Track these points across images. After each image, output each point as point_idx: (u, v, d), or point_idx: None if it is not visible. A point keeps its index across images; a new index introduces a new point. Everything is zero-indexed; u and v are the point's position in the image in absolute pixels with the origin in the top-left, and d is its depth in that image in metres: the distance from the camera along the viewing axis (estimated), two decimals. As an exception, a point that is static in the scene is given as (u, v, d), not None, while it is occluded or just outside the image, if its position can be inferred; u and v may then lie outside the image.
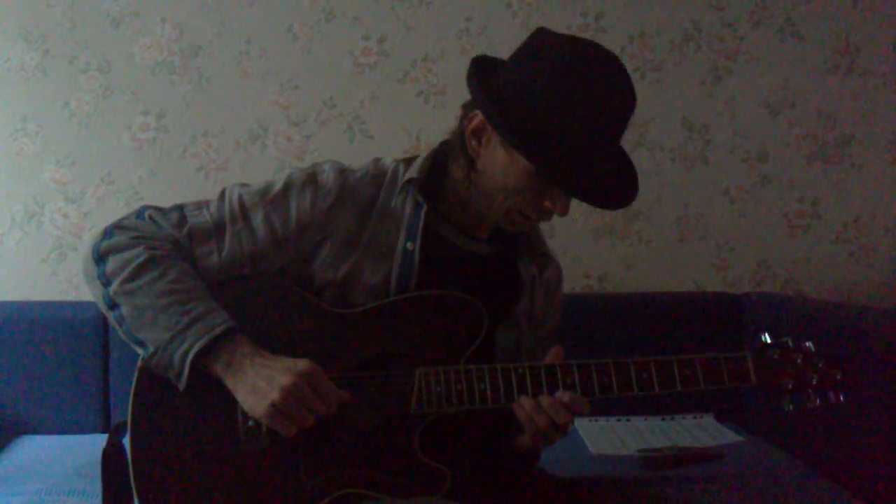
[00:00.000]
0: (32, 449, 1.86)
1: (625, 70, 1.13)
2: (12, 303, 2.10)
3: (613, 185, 1.19)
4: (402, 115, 2.24)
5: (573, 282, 2.28)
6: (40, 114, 2.22)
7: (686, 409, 2.06)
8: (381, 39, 2.24)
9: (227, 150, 2.24)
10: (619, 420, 2.02)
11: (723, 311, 2.12)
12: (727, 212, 2.30)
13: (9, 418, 1.98)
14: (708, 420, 2.02)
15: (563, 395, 1.11)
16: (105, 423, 1.98)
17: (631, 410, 2.05)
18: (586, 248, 2.28)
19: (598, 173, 1.14)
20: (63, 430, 1.96)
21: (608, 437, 1.90)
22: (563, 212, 1.17)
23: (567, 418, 1.11)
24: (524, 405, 1.12)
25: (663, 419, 2.03)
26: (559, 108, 1.09)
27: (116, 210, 2.22)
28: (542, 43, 1.14)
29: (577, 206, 2.29)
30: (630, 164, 1.23)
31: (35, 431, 1.97)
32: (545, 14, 2.20)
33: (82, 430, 1.95)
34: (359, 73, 2.24)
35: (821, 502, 1.53)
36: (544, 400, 1.12)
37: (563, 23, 2.22)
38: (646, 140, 2.28)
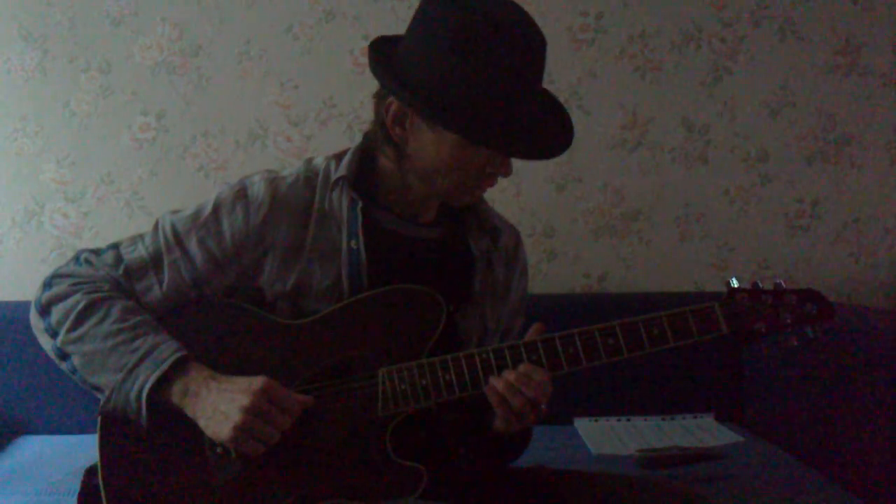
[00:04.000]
0: (32, 449, 1.87)
1: (523, 11, 1.10)
2: (12, 303, 2.10)
3: (549, 131, 1.16)
4: (402, 115, 2.24)
5: (573, 282, 2.28)
6: (40, 114, 2.22)
7: (686, 409, 2.06)
8: (381, 39, 2.24)
9: (227, 150, 2.24)
10: (619, 420, 2.02)
11: (723, 311, 2.11)
12: (727, 212, 2.30)
13: (9, 418, 1.98)
14: (708, 420, 2.02)
15: (523, 367, 1.09)
16: (105, 423, 1.98)
17: (631, 410, 2.05)
18: (586, 248, 2.28)
19: (527, 124, 1.12)
20: (63, 430, 1.96)
21: (608, 437, 1.90)
22: (507, 171, 1.16)
23: (535, 392, 1.08)
24: (494, 384, 1.09)
25: (663, 419, 2.03)
26: (469, 70, 1.06)
27: (116, 210, 2.22)
28: (432, 8, 1.11)
29: (578, 206, 2.29)
30: (559, 105, 1.20)
31: (35, 431, 1.97)
32: (545, 14, 2.19)
33: (82, 430, 1.95)
34: (359, 73, 2.24)
35: (821, 502, 1.53)
36: (510, 375, 1.09)
37: (563, 23, 2.22)
38: (646, 140, 2.28)
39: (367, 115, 2.24)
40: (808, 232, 2.31)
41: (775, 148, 2.30)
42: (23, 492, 1.57)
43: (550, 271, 2.26)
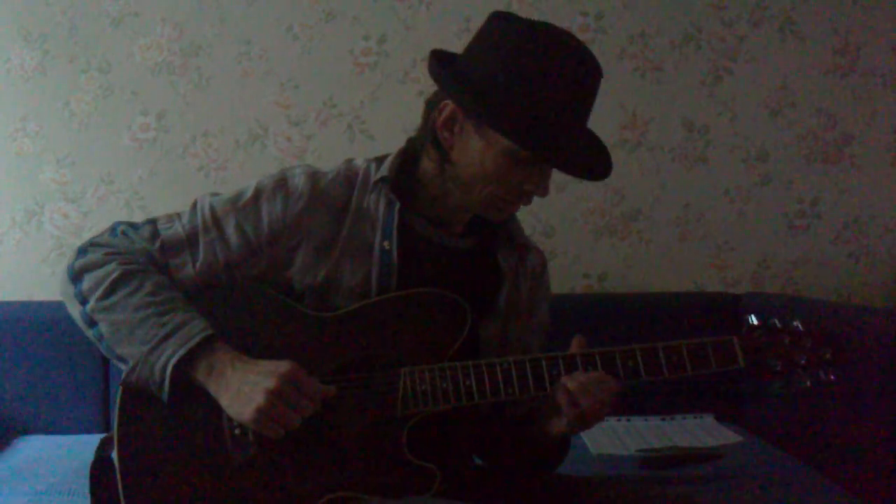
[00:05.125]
0: (32, 449, 1.86)
1: (584, 45, 1.15)
2: (12, 303, 2.10)
3: (591, 156, 1.19)
4: (402, 115, 2.23)
5: (573, 282, 2.28)
6: (40, 114, 2.22)
7: (686, 409, 2.06)
8: (381, 39, 2.24)
9: (227, 150, 2.24)
10: (619, 420, 2.02)
11: (722, 310, 2.12)
12: (727, 212, 2.30)
13: (9, 418, 1.97)
14: (708, 420, 2.02)
15: (596, 373, 1.11)
16: (105, 423, 1.98)
17: (631, 410, 2.05)
18: (586, 248, 2.28)
19: (576, 146, 1.15)
20: (63, 430, 1.96)
21: (608, 437, 1.90)
22: (544, 192, 1.17)
23: (604, 395, 1.10)
24: (566, 384, 1.11)
25: (663, 419, 2.03)
26: (531, 84, 1.09)
27: (116, 210, 2.22)
28: (499, 26, 1.15)
29: (578, 206, 2.29)
30: (598, 139, 1.24)
31: (35, 431, 1.97)
32: (545, 14, 2.19)
33: (82, 430, 1.95)
34: (359, 73, 2.24)
35: (820, 502, 1.53)
36: (582, 377, 1.11)
37: (563, 23, 2.21)
38: (646, 140, 2.28)
39: (368, 114, 2.26)
40: (808, 232, 2.31)
41: (775, 148, 2.30)
42: (23, 492, 1.57)
43: (550, 271, 2.25)
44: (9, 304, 2.09)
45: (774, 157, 2.30)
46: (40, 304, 2.09)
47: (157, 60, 2.23)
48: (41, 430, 1.97)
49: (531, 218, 2.22)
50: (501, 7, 2.28)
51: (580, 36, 2.26)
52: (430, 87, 2.46)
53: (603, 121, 2.26)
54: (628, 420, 2.02)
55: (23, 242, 2.23)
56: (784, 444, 1.85)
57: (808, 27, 2.28)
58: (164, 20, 2.22)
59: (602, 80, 1.16)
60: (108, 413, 1.99)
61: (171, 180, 2.22)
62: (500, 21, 1.16)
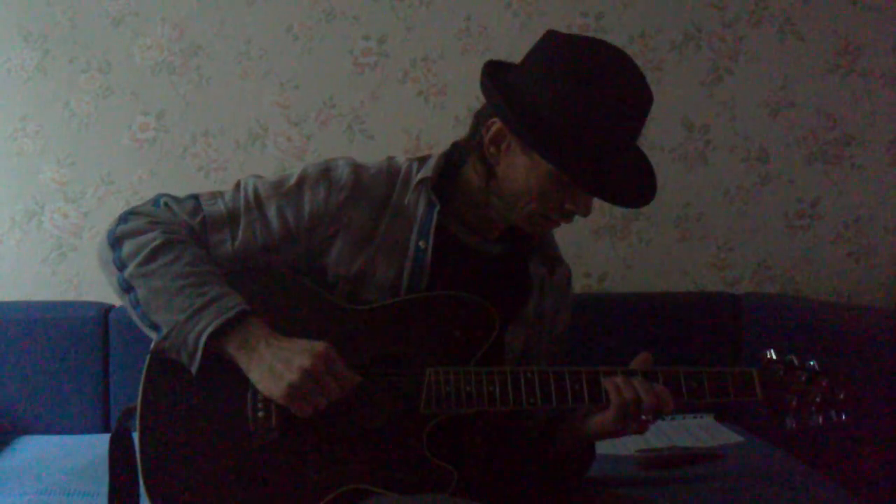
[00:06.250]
0: (32, 449, 1.86)
1: (637, 68, 1.14)
2: (12, 303, 2.10)
3: (634, 183, 1.20)
4: (402, 115, 2.24)
5: (573, 282, 2.27)
6: (40, 114, 2.22)
7: (686, 409, 2.06)
8: (381, 39, 2.24)
9: (227, 150, 2.24)
10: (619, 420, 2.02)
11: (722, 310, 2.12)
12: (727, 212, 2.30)
13: (9, 418, 1.98)
14: (708, 420, 2.02)
15: (657, 385, 1.13)
16: (105, 423, 1.98)
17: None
18: (586, 248, 2.28)
19: (619, 172, 1.15)
20: (63, 430, 1.96)
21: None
22: (587, 212, 1.18)
23: (653, 400, 1.11)
24: (614, 380, 1.13)
25: (663, 419, 2.03)
26: (578, 109, 1.09)
27: (116, 210, 2.21)
28: (553, 44, 1.15)
29: (577, 206, 2.28)
30: (647, 161, 1.24)
31: (35, 431, 1.97)
32: (545, 14, 2.19)
33: (82, 430, 1.95)
34: (359, 73, 2.24)
35: (820, 502, 1.52)
36: (635, 380, 1.13)
37: (563, 23, 2.22)
38: (646, 140, 2.27)
39: (368, 114, 2.26)
40: (808, 232, 2.31)
41: (775, 148, 2.30)
42: (23, 492, 1.57)
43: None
44: (9, 304, 2.09)
45: (774, 157, 2.30)
46: (40, 304, 2.09)
47: (157, 60, 2.23)
48: (41, 430, 1.97)
49: (531, 218, 2.22)
50: (500, 8, 2.29)
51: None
52: (429, 87, 2.46)
53: (603, 121, 2.27)
54: (628, 420, 2.02)
55: (23, 242, 2.23)
56: (784, 444, 1.85)
57: (808, 27, 2.28)
58: (164, 20, 2.22)
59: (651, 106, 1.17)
60: (108, 413, 1.99)
61: (171, 180, 2.22)
62: (554, 40, 1.16)
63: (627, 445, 1.83)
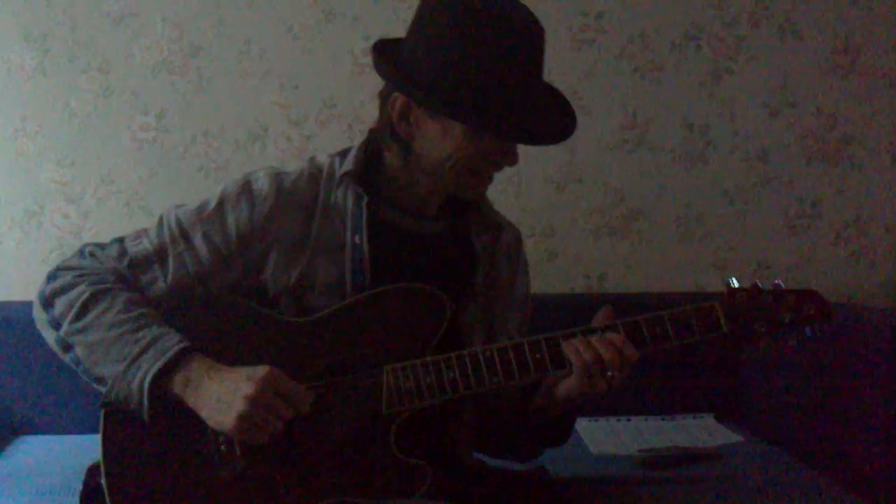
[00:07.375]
0: (32, 449, 1.86)
1: (521, 3, 1.13)
2: (12, 303, 2.10)
3: (550, 119, 1.18)
4: (402, 115, 2.24)
5: (573, 282, 2.28)
6: (40, 114, 2.21)
7: (686, 409, 2.06)
8: (381, 39, 2.24)
9: (227, 150, 2.24)
10: (619, 420, 2.02)
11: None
12: (727, 212, 2.30)
13: (9, 418, 1.98)
14: (708, 420, 2.02)
15: (613, 336, 1.10)
16: (105, 424, 1.97)
17: (631, 410, 2.05)
18: (586, 248, 2.28)
19: (530, 112, 1.13)
20: (63, 430, 1.96)
21: (608, 437, 1.90)
22: (514, 160, 1.17)
23: (613, 355, 1.08)
24: (572, 342, 1.10)
25: (663, 419, 2.03)
26: (470, 59, 1.08)
27: (116, 210, 2.22)
28: (431, 5, 1.14)
29: (578, 206, 2.29)
30: (561, 96, 1.22)
31: (35, 431, 1.97)
32: (545, 14, 2.18)
33: (82, 431, 1.94)
34: (359, 73, 2.24)
35: (820, 502, 1.53)
36: (593, 338, 1.10)
37: (563, 23, 2.21)
38: (646, 140, 2.28)
39: (368, 114, 2.26)
40: (808, 232, 2.31)
41: (775, 148, 2.30)
42: (23, 492, 1.57)
43: (550, 271, 2.26)
44: (9, 304, 2.09)
45: (774, 157, 2.30)
46: (40, 304, 2.09)
47: (157, 60, 2.23)
48: (41, 430, 1.97)
49: (531, 218, 2.22)
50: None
51: (580, 36, 2.26)
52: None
53: (603, 121, 2.27)
54: (628, 420, 2.02)
55: (23, 242, 2.23)
56: (784, 444, 1.85)
57: (808, 27, 2.28)
58: (164, 20, 2.22)
59: (545, 37, 1.14)
60: (108, 413, 1.99)
61: (171, 180, 2.22)
62: (430, 2, 1.14)
63: (628, 445, 1.83)
